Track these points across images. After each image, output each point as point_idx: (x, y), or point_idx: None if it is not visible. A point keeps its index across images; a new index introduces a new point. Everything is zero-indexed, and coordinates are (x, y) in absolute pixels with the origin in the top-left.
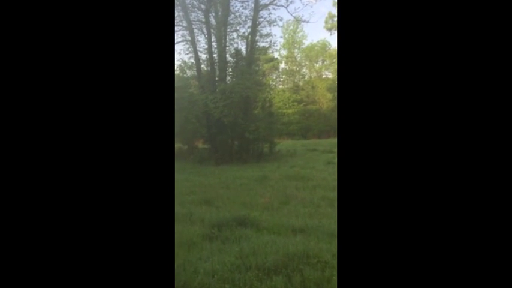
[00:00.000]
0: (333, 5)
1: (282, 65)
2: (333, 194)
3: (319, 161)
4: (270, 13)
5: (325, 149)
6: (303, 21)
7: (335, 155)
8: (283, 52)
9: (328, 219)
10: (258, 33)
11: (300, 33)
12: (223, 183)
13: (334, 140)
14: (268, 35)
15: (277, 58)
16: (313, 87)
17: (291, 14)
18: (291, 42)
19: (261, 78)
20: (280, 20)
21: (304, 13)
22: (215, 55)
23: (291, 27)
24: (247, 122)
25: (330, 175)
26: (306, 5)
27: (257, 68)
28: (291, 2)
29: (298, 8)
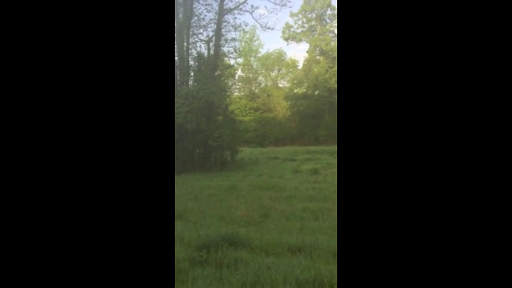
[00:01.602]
0: (290, 15)
1: (239, 72)
2: (313, 205)
3: (285, 169)
4: (235, 17)
5: (287, 157)
6: (268, 28)
7: (299, 163)
8: (240, 59)
9: (322, 234)
10: (223, 38)
11: (257, 42)
12: (189, 194)
13: (293, 148)
14: (234, 39)
15: (233, 65)
16: (268, 96)
17: (256, 20)
18: (247, 50)
19: (222, 84)
20: (246, 26)
21: (269, 20)
22: (176, 58)
23: (248, 35)
24: (210, 129)
25: (301, 184)
26: (271, 12)
27: (219, 73)
28: (256, 8)
29: (263, 14)
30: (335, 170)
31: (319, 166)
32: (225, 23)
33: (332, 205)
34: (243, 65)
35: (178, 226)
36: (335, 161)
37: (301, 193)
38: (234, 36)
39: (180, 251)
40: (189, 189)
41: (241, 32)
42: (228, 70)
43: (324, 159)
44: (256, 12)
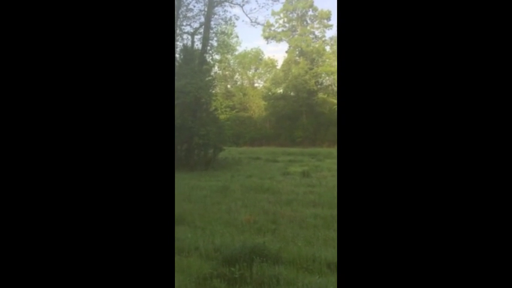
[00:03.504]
0: (272, 14)
1: (215, 69)
2: (321, 212)
3: (272, 171)
4: (225, 10)
5: (268, 158)
6: (258, 24)
7: (284, 164)
8: (216, 56)
9: None
10: (212, 31)
11: (234, 39)
12: (181, 195)
13: (270, 149)
14: (223, 33)
15: (209, 62)
16: (244, 94)
17: (247, 15)
18: (224, 47)
19: (210, 79)
20: (236, 19)
21: (259, 15)
22: None
23: (226, 31)
24: (196, 126)
25: (297, 188)
26: (262, 7)
27: (207, 67)
28: (246, 2)
29: (254, 9)
30: (325, 173)
31: (307, 169)
32: (215, 16)
33: None
34: (220, 62)
35: (188, 232)
36: (321, 163)
37: (301, 197)
38: (223, 29)
39: (203, 265)
40: (178, 189)
41: (219, 29)
42: (205, 66)
43: (309, 162)
44: (247, 6)
